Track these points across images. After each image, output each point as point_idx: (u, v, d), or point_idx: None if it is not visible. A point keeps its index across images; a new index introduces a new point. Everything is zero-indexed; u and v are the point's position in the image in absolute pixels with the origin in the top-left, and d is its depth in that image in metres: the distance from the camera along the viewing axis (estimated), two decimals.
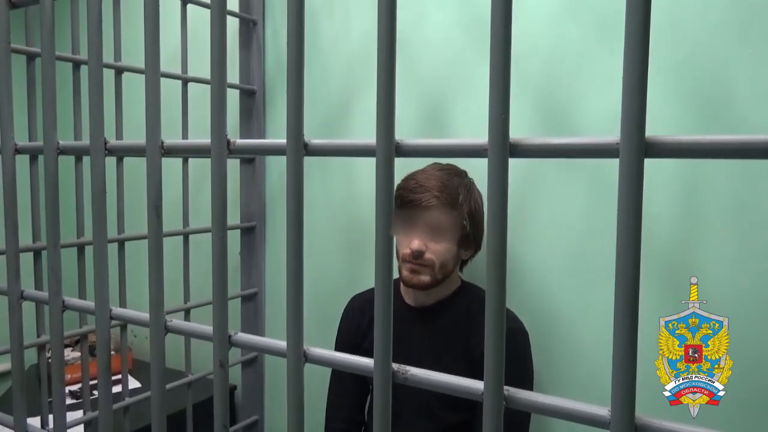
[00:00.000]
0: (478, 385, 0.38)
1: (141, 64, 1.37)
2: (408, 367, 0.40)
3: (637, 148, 0.31)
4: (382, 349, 0.40)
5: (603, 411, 0.34)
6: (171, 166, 1.59)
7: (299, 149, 0.43)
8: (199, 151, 0.51)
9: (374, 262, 0.41)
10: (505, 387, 0.37)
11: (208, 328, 0.52)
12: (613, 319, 0.33)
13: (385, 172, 0.39)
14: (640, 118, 0.31)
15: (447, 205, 1.11)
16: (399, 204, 1.13)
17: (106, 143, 0.58)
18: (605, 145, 0.33)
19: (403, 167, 1.17)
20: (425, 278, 1.13)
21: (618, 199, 0.32)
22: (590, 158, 0.35)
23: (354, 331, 1.30)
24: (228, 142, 0.48)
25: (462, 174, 1.19)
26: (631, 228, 0.32)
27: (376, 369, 0.40)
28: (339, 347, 1.32)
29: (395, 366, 0.41)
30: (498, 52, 0.35)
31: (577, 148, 0.34)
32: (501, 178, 0.35)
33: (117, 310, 0.60)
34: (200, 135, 1.72)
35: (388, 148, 0.39)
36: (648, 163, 0.31)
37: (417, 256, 1.11)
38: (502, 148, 0.35)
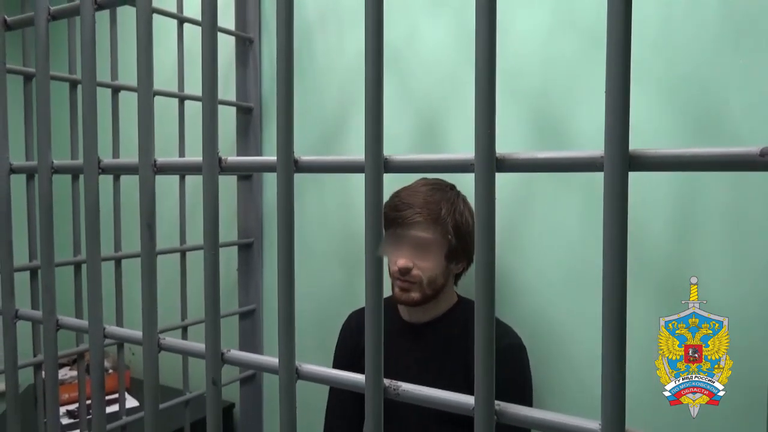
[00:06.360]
0: (469, 400, 0.37)
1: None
2: (399, 383, 0.40)
3: (621, 161, 0.31)
4: (373, 365, 0.40)
5: (593, 425, 0.34)
6: (172, 183, 1.60)
7: (289, 166, 0.44)
8: (192, 169, 0.52)
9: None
10: (497, 402, 0.37)
11: (201, 346, 0.52)
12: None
13: (373, 188, 0.40)
14: (623, 131, 0.31)
15: (430, 221, 1.11)
16: (386, 223, 1.13)
17: (99, 162, 0.59)
18: (590, 159, 0.33)
19: (397, 183, 1.17)
20: (415, 295, 1.13)
21: (603, 213, 0.32)
22: (576, 172, 0.35)
23: (352, 350, 1.29)
24: (220, 159, 0.49)
25: (446, 188, 1.18)
26: (616, 241, 0.32)
27: (367, 385, 0.40)
28: (337, 365, 1.31)
29: (387, 381, 0.41)
30: (483, 67, 0.36)
31: (563, 162, 0.35)
32: (488, 193, 0.35)
33: (111, 328, 0.60)
34: (199, 152, 1.73)
35: (377, 164, 0.40)
36: None
37: (404, 273, 1.12)
38: (489, 163, 0.35)
